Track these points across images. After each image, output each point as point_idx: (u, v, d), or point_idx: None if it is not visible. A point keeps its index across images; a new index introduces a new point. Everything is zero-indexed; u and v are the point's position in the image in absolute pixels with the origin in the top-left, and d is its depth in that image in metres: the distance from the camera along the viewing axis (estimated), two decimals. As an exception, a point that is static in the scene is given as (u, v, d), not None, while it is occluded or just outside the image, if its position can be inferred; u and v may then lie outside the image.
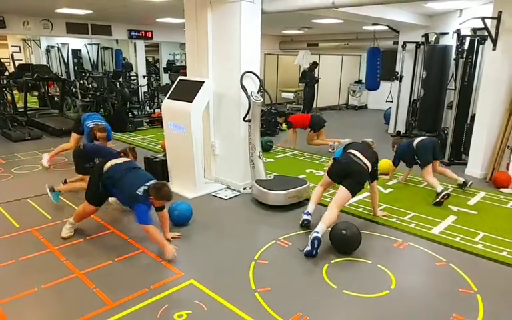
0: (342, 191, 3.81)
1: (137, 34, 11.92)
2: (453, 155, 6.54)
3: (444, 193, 4.66)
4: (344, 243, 3.51)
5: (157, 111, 10.72)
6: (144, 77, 13.06)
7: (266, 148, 7.10)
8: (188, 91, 4.96)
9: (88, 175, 4.14)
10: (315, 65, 10.96)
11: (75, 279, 3.07)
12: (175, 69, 12.22)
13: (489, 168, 5.79)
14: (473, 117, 6.18)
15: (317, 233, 3.43)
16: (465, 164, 6.15)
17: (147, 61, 14.33)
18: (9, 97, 9.87)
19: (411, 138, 6.05)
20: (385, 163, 5.94)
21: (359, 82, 13.89)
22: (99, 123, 5.60)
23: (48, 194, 4.54)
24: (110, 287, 2.97)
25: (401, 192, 5.25)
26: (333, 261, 3.40)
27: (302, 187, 4.66)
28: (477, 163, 5.90)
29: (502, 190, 5.28)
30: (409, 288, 3.07)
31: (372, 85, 9.87)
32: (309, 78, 10.59)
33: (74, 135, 6.08)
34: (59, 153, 6.19)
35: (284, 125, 9.73)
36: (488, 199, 4.98)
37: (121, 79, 11.17)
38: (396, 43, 9.80)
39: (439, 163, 5.34)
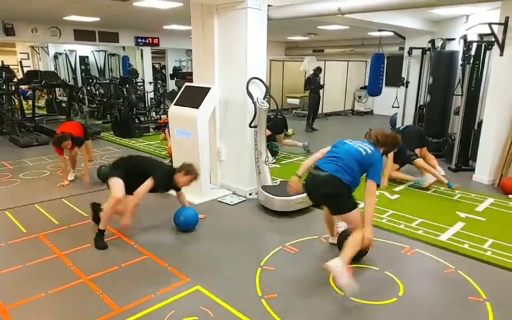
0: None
1: (143, 41, 12.04)
2: (460, 161, 6.48)
3: None
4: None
5: (163, 117, 10.78)
6: (150, 83, 13.16)
7: (272, 153, 7.08)
8: (194, 97, 4.98)
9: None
10: (318, 70, 10.88)
11: (81, 285, 3.08)
12: (182, 75, 12.28)
13: (496, 174, 5.73)
14: (480, 123, 6.14)
15: None
16: (473, 170, 6.10)
17: (153, 67, 14.44)
18: (17, 103, 9.98)
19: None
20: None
21: (365, 88, 13.85)
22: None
23: None
24: (116, 292, 2.97)
25: (407, 198, 5.21)
26: (339, 268, 3.38)
27: (308, 192, 4.63)
28: (484, 169, 5.85)
29: (510, 196, 5.22)
30: (417, 295, 3.03)
31: (373, 91, 9.89)
32: (313, 84, 10.55)
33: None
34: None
35: (290, 131, 9.72)
36: (496, 205, 4.93)
37: (127, 85, 11.26)
38: (402, 48, 9.77)
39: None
